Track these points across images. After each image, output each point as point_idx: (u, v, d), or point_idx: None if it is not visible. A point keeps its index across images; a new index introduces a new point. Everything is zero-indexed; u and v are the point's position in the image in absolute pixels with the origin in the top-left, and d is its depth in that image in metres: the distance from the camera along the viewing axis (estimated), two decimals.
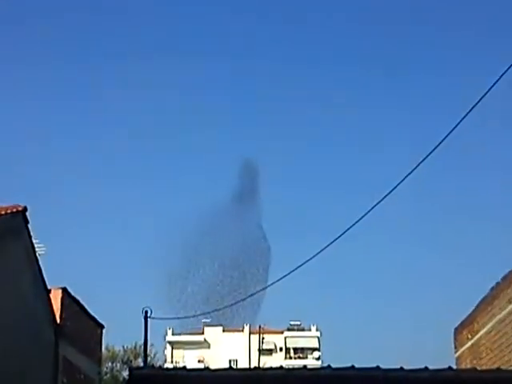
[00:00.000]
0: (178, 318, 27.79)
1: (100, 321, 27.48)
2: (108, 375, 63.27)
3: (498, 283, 19.05)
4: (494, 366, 17.06)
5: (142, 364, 47.27)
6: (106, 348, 64.43)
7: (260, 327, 68.13)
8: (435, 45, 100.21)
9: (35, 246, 21.10)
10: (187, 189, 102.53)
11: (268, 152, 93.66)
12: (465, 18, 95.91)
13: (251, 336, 78.46)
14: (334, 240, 17.00)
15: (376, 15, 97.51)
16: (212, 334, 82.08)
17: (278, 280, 21.18)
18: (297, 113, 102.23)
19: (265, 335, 70.57)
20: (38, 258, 21.34)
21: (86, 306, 25.63)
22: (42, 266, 21.33)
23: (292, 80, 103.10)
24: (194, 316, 28.91)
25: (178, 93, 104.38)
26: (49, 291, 21.91)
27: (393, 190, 14.85)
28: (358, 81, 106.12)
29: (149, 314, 24.10)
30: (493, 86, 11.82)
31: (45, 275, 21.44)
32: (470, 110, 12.37)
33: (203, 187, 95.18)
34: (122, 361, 71.65)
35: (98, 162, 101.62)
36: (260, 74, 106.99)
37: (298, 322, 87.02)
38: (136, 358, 71.05)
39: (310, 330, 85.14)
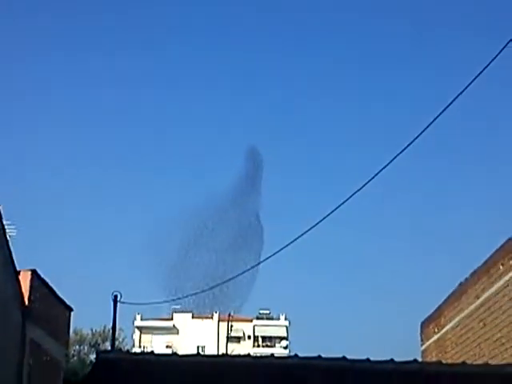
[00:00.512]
0: (148, 304, 27.70)
1: (69, 303, 27.39)
2: (75, 358, 63.04)
3: (466, 279, 19.27)
4: (459, 360, 17.29)
5: (109, 348, 47.14)
6: (74, 331, 64.30)
7: (229, 315, 68.29)
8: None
9: (5, 227, 20.95)
10: (178, 182, 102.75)
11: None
12: None
13: (220, 323, 78.68)
14: (309, 230, 17.16)
15: None
16: (181, 320, 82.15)
17: (248, 269, 21.27)
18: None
19: (234, 323, 70.77)
20: (8, 239, 21.19)
21: (56, 289, 25.52)
22: (12, 247, 21.20)
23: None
24: (164, 302, 28.85)
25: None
26: (18, 273, 21.78)
27: (370, 180, 14.95)
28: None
29: (118, 299, 24.11)
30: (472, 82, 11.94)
31: (15, 257, 21.32)
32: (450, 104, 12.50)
33: (202, 177, 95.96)
34: (90, 344, 71.50)
35: (74, 143, 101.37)
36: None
37: (267, 311, 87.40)
38: (104, 341, 70.93)
39: (278, 319, 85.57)
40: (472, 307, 18.44)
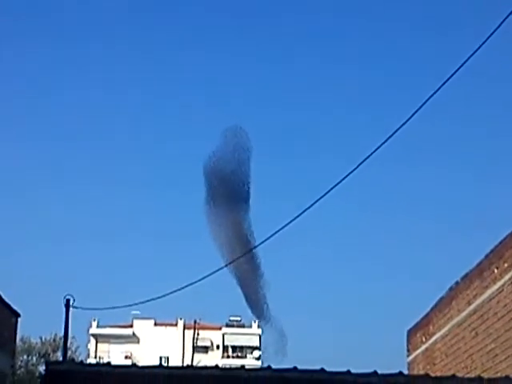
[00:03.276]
0: (105, 309, 27.56)
1: (15, 308, 27.17)
2: (22, 369, 62.59)
3: (457, 283, 19.36)
4: (449, 373, 17.39)
5: (61, 358, 46.83)
6: (22, 339, 63.74)
7: (195, 322, 68.28)
8: None
9: None
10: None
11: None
12: None
13: (185, 331, 78.60)
14: (291, 221, 17.28)
15: None
16: (142, 327, 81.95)
17: (218, 270, 21.26)
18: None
19: (200, 331, 70.74)
20: None
21: (0, 292, 25.31)
22: None
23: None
24: (124, 306, 28.70)
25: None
26: None
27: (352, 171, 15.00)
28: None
29: (71, 303, 23.95)
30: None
31: None
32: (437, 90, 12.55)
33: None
34: (39, 354, 70.93)
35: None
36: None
37: (238, 318, 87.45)
38: (55, 351, 70.42)
39: (250, 326, 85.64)
40: (463, 314, 18.55)
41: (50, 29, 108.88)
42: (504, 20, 11.08)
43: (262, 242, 19.69)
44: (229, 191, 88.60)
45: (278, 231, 18.01)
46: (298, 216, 17.03)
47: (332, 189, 15.63)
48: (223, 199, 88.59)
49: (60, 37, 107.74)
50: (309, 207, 16.62)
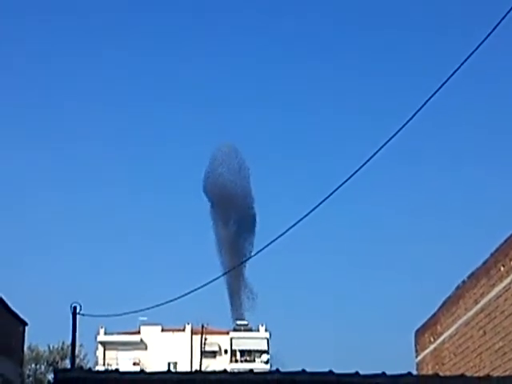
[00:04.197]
0: (112, 316, 27.59)
1: (23, 317, 27.20)
2: (31, 378, 62.67)
3: (463, 281, 19.33)
4: (458, 373, 17.38)
5: (69, 366, 46.87)
6: (29, 348, 63.80)
7: (203, 327, 68.22)
8: None
9: None
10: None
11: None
12: None
13: (193, 336, 78.52)
14: (295, 223, 17.30)
15: None
16: (149, 333, 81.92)
17: (217, 277, 21.27)
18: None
19: (208, 336, 70.70)
20: None
21: (7, 301, 25.33)
22: None
23: None
24: (130, 313, 28.65)
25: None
26: None
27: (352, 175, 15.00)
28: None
29: (78, 311, 23.97)
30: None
31: None
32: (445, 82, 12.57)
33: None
34: (47, 362, 70.97)
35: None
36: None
37: (246, 322, 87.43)
38: (63, 359, 70.45)
39: (258, 330, 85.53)
40: (471, 313, 18.53)
41: None
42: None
43: (259, 252, 19.77)
44: (234, 214, 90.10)
45: (276, 240, 18.05)
46: (299, 220, 17.05)
47: (333, 192, 15.66)
48: (228, 219, 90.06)
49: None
50: (310, 211, 16.62)
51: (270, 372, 13.21)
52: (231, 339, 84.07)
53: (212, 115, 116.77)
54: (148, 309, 26.91)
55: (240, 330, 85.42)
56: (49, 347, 71.84)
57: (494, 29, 11.13)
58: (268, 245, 18.50)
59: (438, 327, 21.25)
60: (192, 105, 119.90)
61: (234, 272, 79.27)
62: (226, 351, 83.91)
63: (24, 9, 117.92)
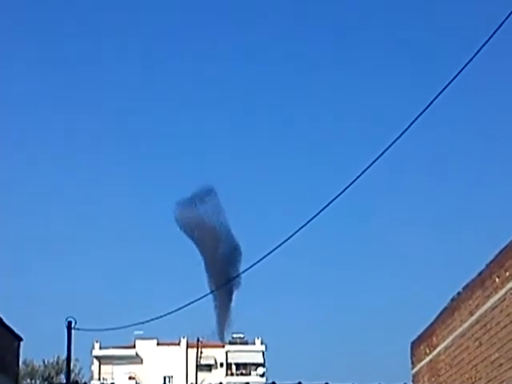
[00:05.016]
0: (107, 330, 27.50)
1: (17, 332, 27.10)
2: None
3: (459, 293, 19.33)
4: None
5: (64, 381, 46.74)
6: (24, 363, 63.62)
7: (198, 340, 68.09)
8: None
9: None
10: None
11: None
12: None
13: (189, 350, 78.33)
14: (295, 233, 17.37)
15: None
16: (145, 347, 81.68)
17: (212, 291, 21.24)
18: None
19: (204, 349, 70.62)
20: None
21: (2, 316, 25.25)
22: None
23: None
24: (125, 327, 28.55)
25: None
26: None
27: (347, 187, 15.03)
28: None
29: (73, 325, 23.91)
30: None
31: None
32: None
33: None
34: (43, 377, 70.79)
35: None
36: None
37: (241, 335, 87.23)
38: (58, 373, 70.29)
39: (254, 343, 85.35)
40: (466, 325, 18.52)
41: None
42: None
43: (247, 269, 19.90)
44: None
45: (267, 256, 18.14)
46: (292, 235, 17.11)
47: (328, 204, 15.70)
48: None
49: None
50: (305, 223, 16.66)
51: None
52: (227, 352, 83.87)
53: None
54: (143, 323, 26.86)
55: (236, 343, 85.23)
56: (44, 362, 71.68)
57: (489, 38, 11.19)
58: (258, 262, 18.49)
59: (434, 339, 21.24)
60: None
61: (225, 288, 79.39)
62: (221, 364, 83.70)
63: None
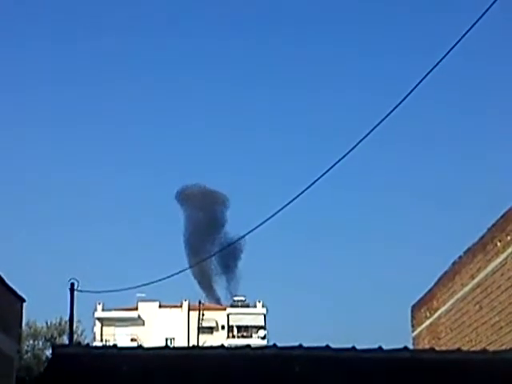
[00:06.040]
0: (110, 292, 27.66)
1: (20, 293, 27.22)
2: (29, 354, 62.78)
3: (460, 257, 19.37)
4: (454, 347, 17.45)
5: (67, 342, 47.08)
6: (27, 324, 63.90)
7: (200, 303, 68.45)
8: None
9: None
10: None
11: None
12: None
13: (190, 312, 78.75)
14: (292, 200, 17.38)
15: None
16: (147, 309, 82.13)
17: (212, 254, 21.32)
18: None
19: (205, 312, 70.91)
20: None
21: (5, 277, 25.33)
22: None
23: None
24: (128, 289, 28.72)
25: None
26: None
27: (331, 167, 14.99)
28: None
29: (76, 287, 24.03)
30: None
31: None
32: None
33: None
34: (45, 338, 71.14)
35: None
36: None
37: (243, 298, 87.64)
38: (61, 335, 70.60)
39: (255, 306, 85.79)
40: (467, 288, 18.57)
41: None
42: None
43: (250, 232, 19.97)
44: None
45: (267, 220, 18.17)
46: (293, 199, 17.12)
47: (320, 177, 15.68)
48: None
49: None
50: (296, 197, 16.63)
51: (266, 347, 13.24)
52: (228, 315, 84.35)
53: None
54: (145, 285, 27.01)
55: (237, 306, 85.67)
56: (47, 323, 71.94)
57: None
58: (259, 226, 18.53)
59: (435, 302, 21.31)
60: None
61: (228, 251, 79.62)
62: (223, 327, 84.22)
63: None
